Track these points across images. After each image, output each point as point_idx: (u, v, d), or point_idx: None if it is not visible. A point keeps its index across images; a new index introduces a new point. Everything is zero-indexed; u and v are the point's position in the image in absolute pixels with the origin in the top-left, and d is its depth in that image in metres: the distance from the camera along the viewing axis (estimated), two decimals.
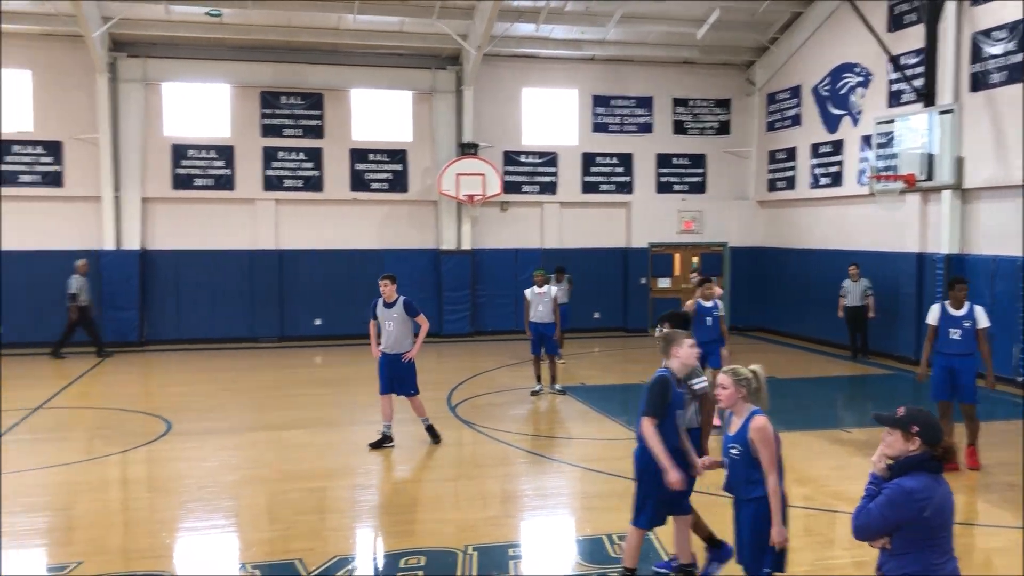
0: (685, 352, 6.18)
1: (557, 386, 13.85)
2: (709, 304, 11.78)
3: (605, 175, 21.93)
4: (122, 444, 11.02)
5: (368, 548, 7.73)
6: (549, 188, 21.63)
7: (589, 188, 21.85)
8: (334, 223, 20.57)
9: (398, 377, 10.61)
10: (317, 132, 20.37)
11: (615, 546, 7.27)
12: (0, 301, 18.61)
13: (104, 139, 18.90)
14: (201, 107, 19.89)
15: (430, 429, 10.89)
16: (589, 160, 21.80)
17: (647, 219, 21.93)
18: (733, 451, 5.25)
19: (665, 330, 6.56)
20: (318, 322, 20.39)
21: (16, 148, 18.87)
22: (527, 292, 13.83)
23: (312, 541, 7.51)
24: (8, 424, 11.92)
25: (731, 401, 5.25)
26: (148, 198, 19.60)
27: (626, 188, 22.03)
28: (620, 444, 10.84)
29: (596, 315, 21.37)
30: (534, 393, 13.70)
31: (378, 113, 20.76)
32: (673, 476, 5.89)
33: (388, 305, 10.55)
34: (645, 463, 6.14)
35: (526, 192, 21.47)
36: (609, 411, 12.69)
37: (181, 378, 16.23)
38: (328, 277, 20.43)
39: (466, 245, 20.91)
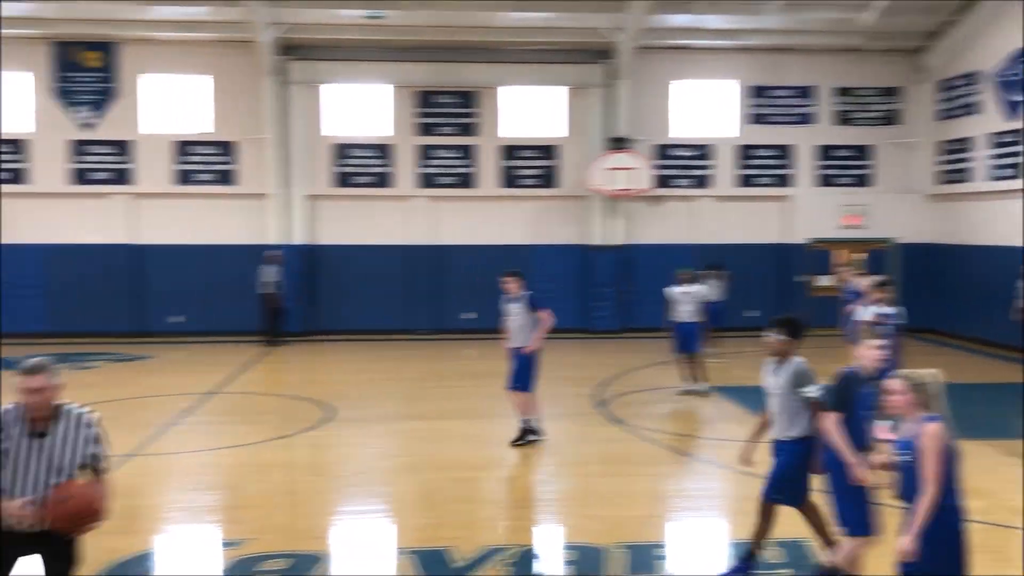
0: (863, 354, 5.94)
1: (700, 386, 13.51)
2: (889, 310, 11.19)
3: (762, 168, 21.26)
4: (288, 429, 11.62)
5: (517, 539, 7.82)
6: (703, 182, 21.18)
7: (745, 181, 21.25)
8: (486, 219, 20.91)
9: (513, 371, 10.62)
10: (470, 129, 20.76)
11: (770, 551, 7.05)
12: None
13: (273, 139, 19.95)
14: (361, 107, 20.66)
15: (525, 431, 10.60)
16: (745, 152, 21.20)
17: (807, 213, 21.09)
18: (903, 457, 5.04)
19: (778, 337, 6.31)
20: (471, 315, 20.79)
21: (198, 149, 20.23)
22: (671, 290, 13.57)
23: (463, 530, 7.67)
24: (188, 407, 12.81)
25: (904, 407, 5.03)
26: (312, 195, 20.56)
27: (785, 181, 21.28)
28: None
29: (751, 313, 20.74)
30: (683, 392, 13.47)
31: (529, 109, 20.93)
32: (860, 470, 5.68)
33: (513, 301, 10.67)
34: (831, 463, 5.92)
35: (679, 186, 21.11)
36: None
37: (341, 367, 16.95)
38: (480, 272, 20.75)
39: (616, 240, 20.78)
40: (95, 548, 7.16)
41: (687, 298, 13.35)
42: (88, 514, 4.60)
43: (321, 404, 12.98)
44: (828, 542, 6.41)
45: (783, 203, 21.32)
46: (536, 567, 7.04)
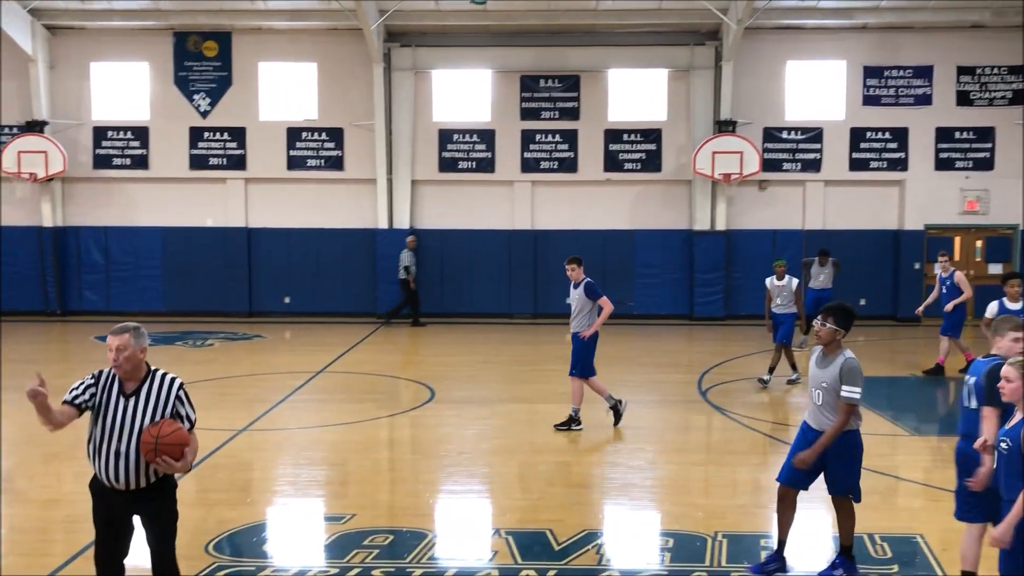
0: (1007, 345, 5.64)
1: (766, 375, 13.12)
2: (1016, 306, 10.60)
3: (876, 151, 20.47)
4: (390, 408, 11.89)
5: (615, 524, 7.80)
6: (812, 165, 20.54)
7: (857, 165, 20.51)
8: (587, 204, 20.80)
9: (582, 358, 10.53)
10: (573, 114, 20.66)
11: (877, 546, 6.84)
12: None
13: (379, 125, 20.32)
14: (465, 93, 20.82)
15: (571, 419, 10.55)
16: (858, 135, 20.44)
17: (923, 199, 20.22)
18: (1003, 445, 4.95)
19: (828, 325, 6.10)
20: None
21: (304, 135, 20.79)
22: (767, 282, 13.43)
23: (561, 513, 7.70)
24: (297, 385, 13.24)
25: (1017, 395, 4.92)
26: (417, 180, 20.87)
27: (899, 165, 20.44)
28: (884, 440, 10.15)
29: (862, 302, 20.05)
30: (790, 382, 13.18)
31: (633, 93, 20.68)
32: (979, 473, 5.44)
33: (574, 286, 10.70)
34: (966, 456, 5.70)
35: (787, 170, 20.53)
36: (873, 405, 11.88)
37: (443, 349, 17.20)
38: (582, 257, 20.70)
39: (720, 226, 20.38)
40: (208, 519, 7.51)
41: (782, 292, 13.18)
42: (172, 441, 4.92)
43: (422, 385, 13.20)
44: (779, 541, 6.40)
45: (898, 188, 20.50)
46: (633, 554, 7.00)
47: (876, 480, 8.62)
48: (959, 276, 14.18)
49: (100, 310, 20.64)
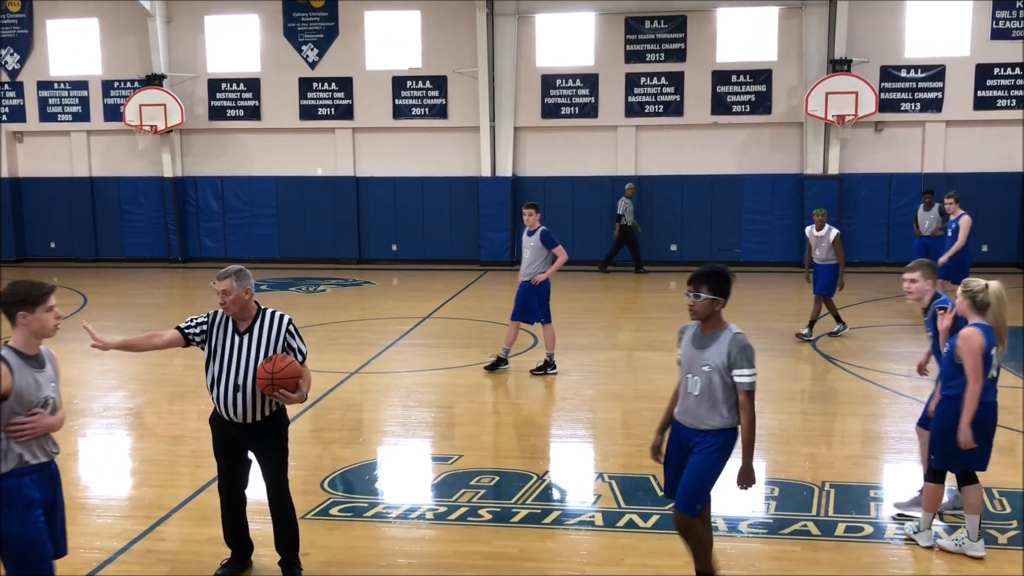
0: None
1: (804, 331, 12.56)
2: None
3: (1004, 89, 19.27)
4: (495, 353, 12.04)
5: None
6: (933, 105, 19.51)
7: (983, 104, 19.36)
8: (693, 148, 20.37)
9: (525, 304, 10.57)
10: (679, 56, 20.14)
11: (995, 500, 6.63)
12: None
13: (482, 72, 20.28)
14: (568, 37, 20.52)
15: (547, 364, 10.71)
16: (984, 72, 19.26)
17: None
18: (943, 348, 5.90)
19: (703, 296, 4.91)
20: (673, 247, 20.50)
21: (409, 84, 20.96)
22: (807, 231, 12.73)
23: None
24: (405, 330, 13.57)
25: (959, 310, 5.81)
26: (519, 127, 20.81)
27: None
28: (1006, 392, 9.72)
29: (984, 248, 19.11)
30: (832, 334, 12.62)
31: (742, 32, 19.99)
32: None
33: (529, 233, 10.59)
34: None
35: (905, 111, 19.58)
36: None
37: None
38: (685, 203, 20.39)
39: (833, 170, 19.66)
40: (323, 457, 7.86)
41: (820, 243, 12.48)
42: (287, 375, 5.16)
43: (525, 331, 13.32)
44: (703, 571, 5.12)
45: None
46: (738, 501, 6.98)
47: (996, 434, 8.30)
48: (965, 221, 13.37)
49: (218, 256, 21.52)
